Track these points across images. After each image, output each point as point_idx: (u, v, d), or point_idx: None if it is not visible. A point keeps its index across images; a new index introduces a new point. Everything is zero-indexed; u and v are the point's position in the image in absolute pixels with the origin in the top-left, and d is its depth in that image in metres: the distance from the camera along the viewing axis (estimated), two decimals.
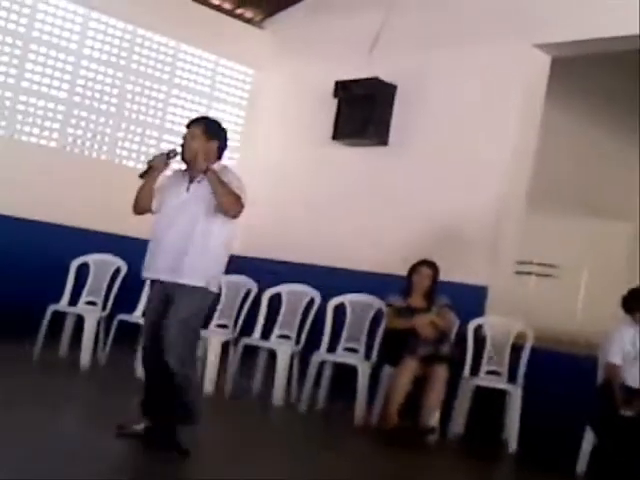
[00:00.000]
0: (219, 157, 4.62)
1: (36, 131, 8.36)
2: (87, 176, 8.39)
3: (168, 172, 4.70)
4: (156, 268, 4.47)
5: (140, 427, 4.51)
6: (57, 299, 7.04)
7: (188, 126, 4.63)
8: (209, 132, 4.57)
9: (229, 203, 4.37)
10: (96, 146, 8.79)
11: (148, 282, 4.80)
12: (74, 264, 7.21)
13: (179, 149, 4.58)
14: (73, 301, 7.14)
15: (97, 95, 8.70)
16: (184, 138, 4.59)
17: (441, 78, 7.95)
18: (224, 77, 9.68)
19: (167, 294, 4.44)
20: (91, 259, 7.31)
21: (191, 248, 4.39)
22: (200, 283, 4.41)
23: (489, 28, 7.55)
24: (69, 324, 7.06)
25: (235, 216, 4.43)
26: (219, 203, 4.37)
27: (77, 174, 8.35)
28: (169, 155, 4.58)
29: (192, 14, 9.11)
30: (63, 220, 7.95)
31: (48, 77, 8.38)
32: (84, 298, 7.19)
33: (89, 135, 8.72)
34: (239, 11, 9.62)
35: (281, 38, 9.50)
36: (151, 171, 4.55)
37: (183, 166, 4.66)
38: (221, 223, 4.47)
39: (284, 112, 9.37)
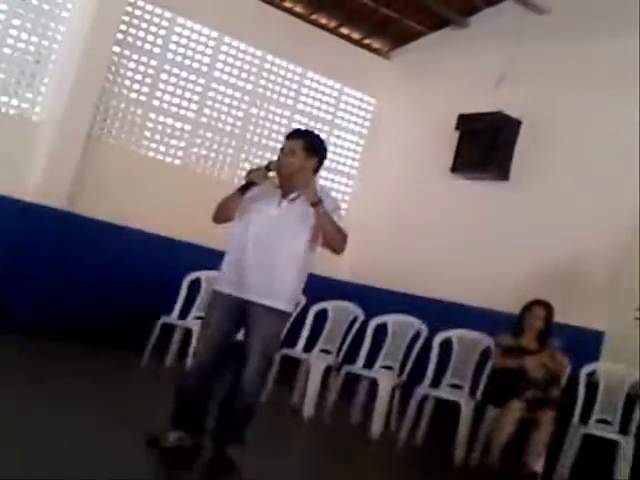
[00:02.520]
0: (314, 172, 4.36)
1: (162, 148, 8.63)
2: (206, 195, 8.46)
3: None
4: (239, 285, 4.16)
5: (173, 441, 4.14)
6: (168, 312, 7.19)
7: (287, 138, 4.35)
8: (310, 149, 4.28)
9: (338, 242, 4.20)
10: (218, 166, 8.99)
11: (208, 291, 4.70)
12: (187, 279, 7.35)
13: (274, 164, 4.31)
14: (183, 315, 7.28)
15: (222, 117, 8.92)
16: (282, 151, 4.30)
17: (569, 116, 7.75)
18: (346, 105, 9.76)
19: (244, 312, 4.17)
20: (203, 275, 7.44)
21: (281, 270, 4.15)
22: (287, 308, 4.22)
23: (619, 73, 7.31)
24: (177, 337, 7.19)
25: (340, 253, 4.24)
26: (328, 241, 4.20)
27: (197, 192, 8.52)
28: (268, 168, 4.28)
29: (320, 42, 9.26)
30: (179, 235, 8.14)
31: (178, 97, 8.66)
32: (194, 313, 7.31)
33: (212, 155, 8.93)
34: (367, 41, 9.70)
35: (406, 69, 9.51)
36: (251, 186, 4.21)
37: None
38: (309, 245, 4.25)
39: (404, 142, 9.34)
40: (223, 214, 4.28)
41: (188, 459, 4.17)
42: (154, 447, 4.12)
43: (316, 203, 4.08)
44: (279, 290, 4.16)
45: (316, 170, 4.35)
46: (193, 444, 4.20)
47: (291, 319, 4.43)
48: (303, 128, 4.56)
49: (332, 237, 4.18)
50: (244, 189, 4.20)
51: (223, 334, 4.19)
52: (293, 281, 4.21)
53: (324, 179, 9.62)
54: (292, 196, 4.22)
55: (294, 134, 4.35)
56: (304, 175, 4.23)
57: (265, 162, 4.37)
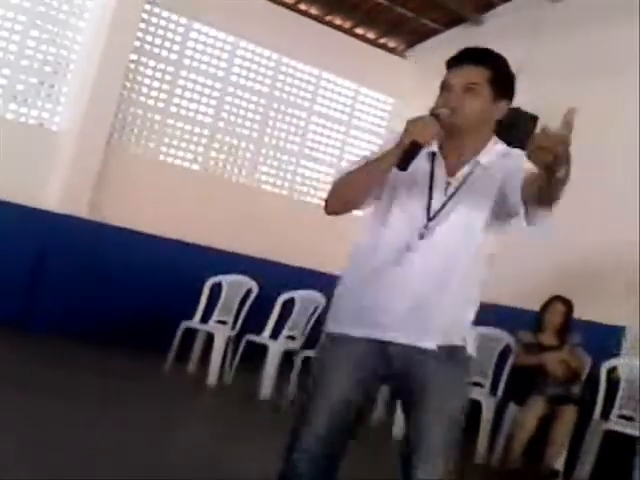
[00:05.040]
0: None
1: (181, 154, 8.71)
2: (226, 198, 8.67)
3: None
4: (376, 323, 2.39)
5: None
6: (190, 316, 7.26)
7: (454, 62, 2.47)
8: (499, 82, 2.46)
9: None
10: (236, 170, 9.05)
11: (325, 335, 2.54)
12: (208, 283, 7.41)
13: (444, 110, 2.40)
14: (205, 319, 7.34)
15: (240, 121, 8.98)
16: (445, 88, 2.45)
17: (587, 111, 7.67)
18: (363, 105, 9.78)
19: (387, 366, 2.42)
20: (225, 279, 7.49)
21: (458, 291, 2.44)
22: (471, 349, 2.48)
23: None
24: (200, 341, 7.26)
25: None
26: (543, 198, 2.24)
27: (217, 196, 8.64)
28: (438, 118, 2.39)
29: (335, 43, 9.28)
30: (200, 240, 8.21)
31: (195, 102, 8.72)
32: (215, 317, 7.37)
33: (230, 159, 9.00)
34: (382, 40, 9.71)
35: (423, 67, 9.48)
36: (414, 154, 2.35)
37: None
38: (482, 249, 2.50)
39: None
40: (349, 196, 2.47)
41: None
42: None
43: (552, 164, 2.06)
44: (461, 324, 2.47)
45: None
46: None
47: None
48: (484, 48, 2.56)
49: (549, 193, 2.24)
50: (408, 158, 2.35)
51: (349, 407, 2.43)
52: (474, 304, 2.52)
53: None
54: (466, 170, 2.44)
55: (470, 56, 2.47)
56: (485, 130, 2.46)
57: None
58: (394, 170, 2.39)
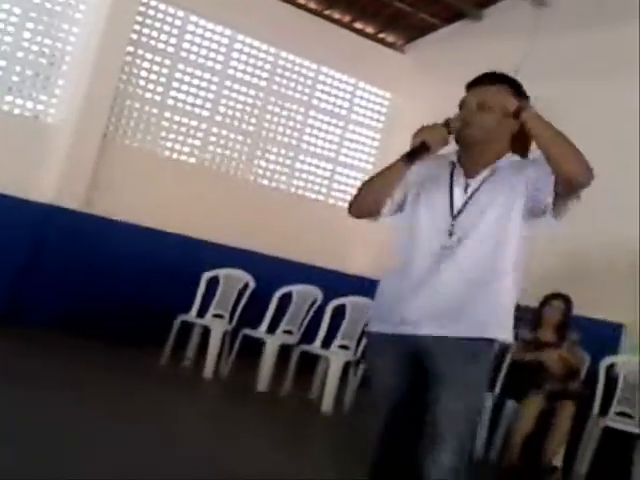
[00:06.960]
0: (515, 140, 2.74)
1: (177, 147, 8.66)
2: (223, 192, 8.63)
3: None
4: (406, 317, 2.63)
5: None
6: (187, 310, 7.21)
7: (474, 85, 2.74)
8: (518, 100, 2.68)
9: (573, 162, 2.51)
10: (233, 164, 9.00)
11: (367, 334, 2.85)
12: (205, 277, 7.36)
13: (455, 121, 2.68)
14: (201, 313, 7.29)
15: (237, 114, 8.94)
16: (465, 106, 2.71)
17: (586, 109, 7.66)
18: (362, 100, 9.74)
19: (421, 353, 2.64)
20: (221, 273, 7.45)
21: (475, 285, 2.63)
22: (492, 333, 2.63)
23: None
24: (196, 335, 7.22)
25: (583, 185, 2.55)
26: (558, 165, 2.50)
27: (213, 190, 8.60)
28: (449, 127, 2.67)
29: (334, 37, 9.24)
30: (196, 233, 8.16)
31: (192, 96, 8.67)
32: (212, 310, 7.33)
33: (227, 153, 8.95)
34: (381, 35, 9.68)
35: (421, 63, 9.47)
36: (421, 153, 2.64)
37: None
38: (517, 239, 2.69)
39: None
40: (367, 200, 2.73)
41: None
42: None
43: (518, 110, 2.60)
44: (477, 314, 2.62)
45: (516, 136, 2.73)
46: None
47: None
48: (502, 73, 2.80)
49: (557, 151, 2.53)
50: (413, 156, 2.64)
51: (399, 391, 2.70)
52: (499, 294, 2.68)
53: (339, 174, 9.61)
54: (485, 173, 2.68)
55: (488, 78, 2.74)
56: (501, 143, 2.71)
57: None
58: (418, 179, 2.72)
